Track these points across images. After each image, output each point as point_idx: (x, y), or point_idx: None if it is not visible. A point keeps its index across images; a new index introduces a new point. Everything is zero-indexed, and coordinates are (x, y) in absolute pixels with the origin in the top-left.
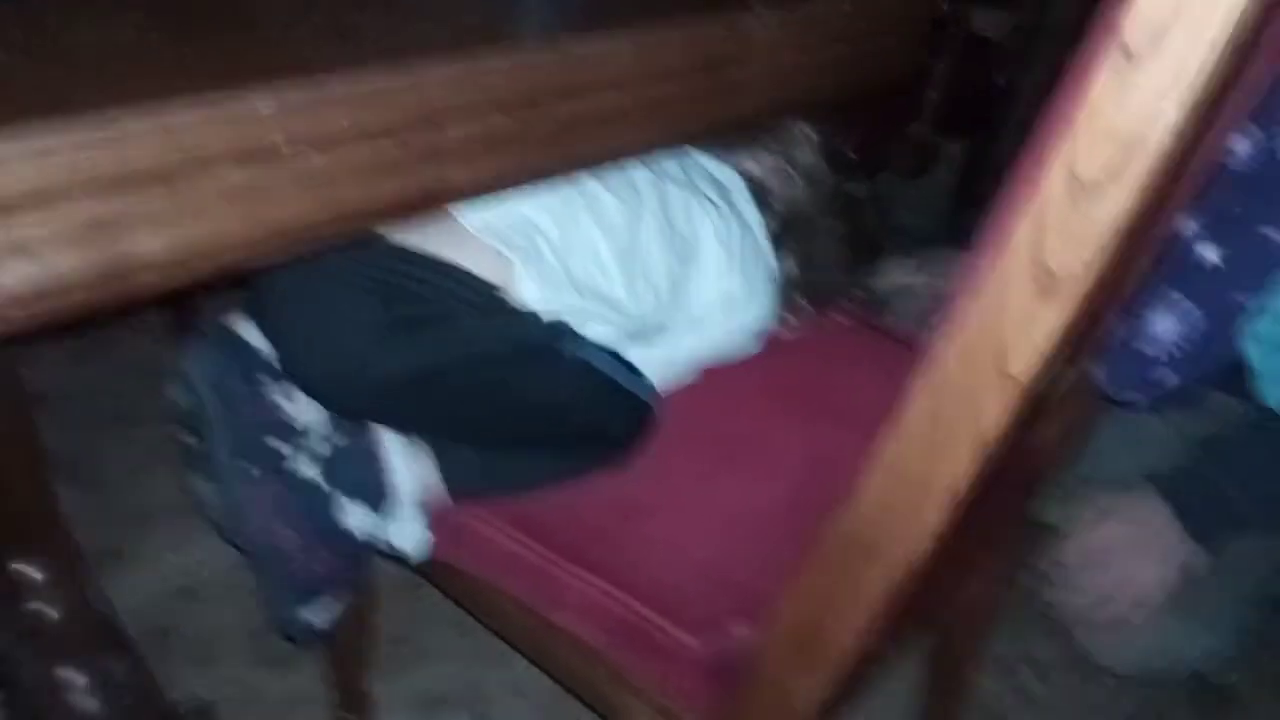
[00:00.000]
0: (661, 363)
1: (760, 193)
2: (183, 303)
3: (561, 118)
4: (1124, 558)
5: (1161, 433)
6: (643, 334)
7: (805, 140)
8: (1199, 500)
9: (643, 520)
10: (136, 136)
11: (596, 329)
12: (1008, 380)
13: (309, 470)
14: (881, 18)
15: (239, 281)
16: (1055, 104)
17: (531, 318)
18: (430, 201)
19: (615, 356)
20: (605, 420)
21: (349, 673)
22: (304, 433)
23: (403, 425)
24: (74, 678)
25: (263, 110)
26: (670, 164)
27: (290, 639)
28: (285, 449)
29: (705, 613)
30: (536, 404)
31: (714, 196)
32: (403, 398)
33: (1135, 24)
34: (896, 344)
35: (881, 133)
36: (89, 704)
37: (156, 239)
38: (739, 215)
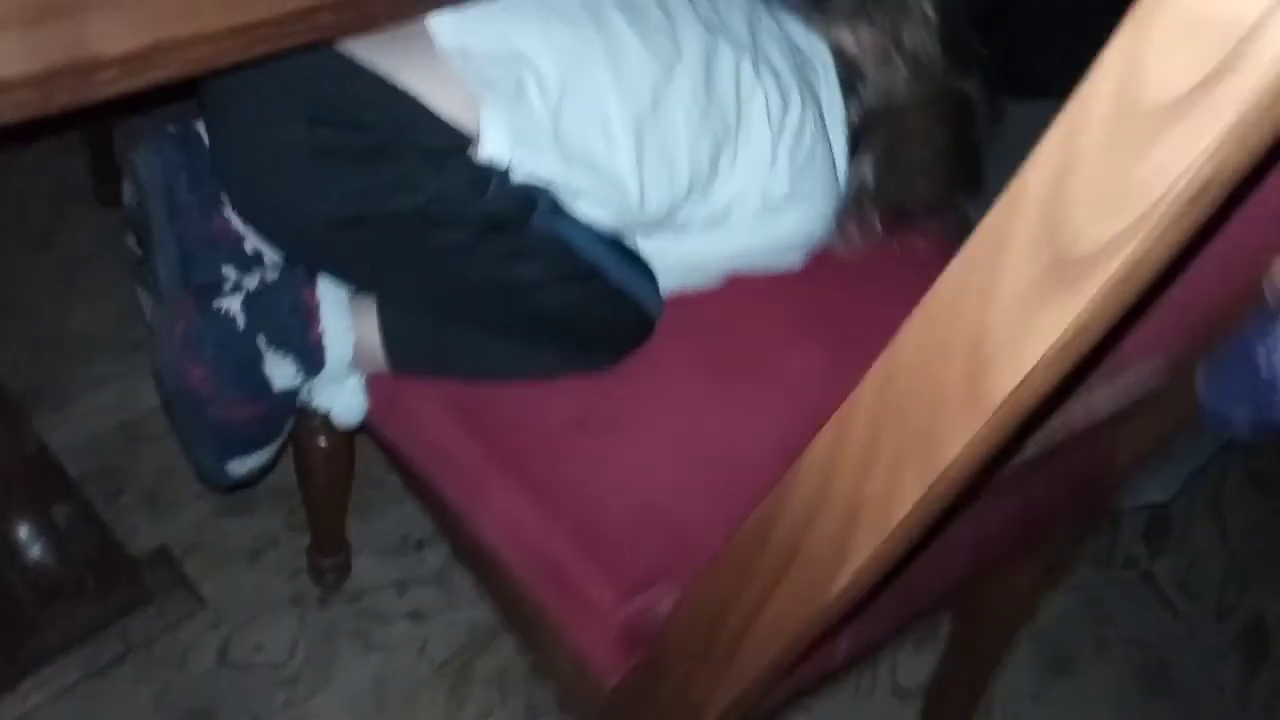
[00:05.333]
0: (677, 261)
1: (850, 74)
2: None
3: None
4: None
5: None
6: (647, 225)
7: (921, 18)
8: None
9: (601, 436)
10: None
11: (588, 209)
12: (981, 401)
13: (231, 304)
14: None
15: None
16: None
17: (499, 177)
18: None
19: (612, 244)
20: (584, 315)
21: (325, 515)
22: (258, 263)
23: (335, 273)
24: (16, 529)
25: None
26: (736, 17)
27: (215, 487)
28: (235, 277)
29: (637, 565)
30: (493, 280)
31: (782, 67)
32: (328, 240)
33: None
34: None
35: None
36: (34, 554)
37: (117, 26)
38: (812, 96)
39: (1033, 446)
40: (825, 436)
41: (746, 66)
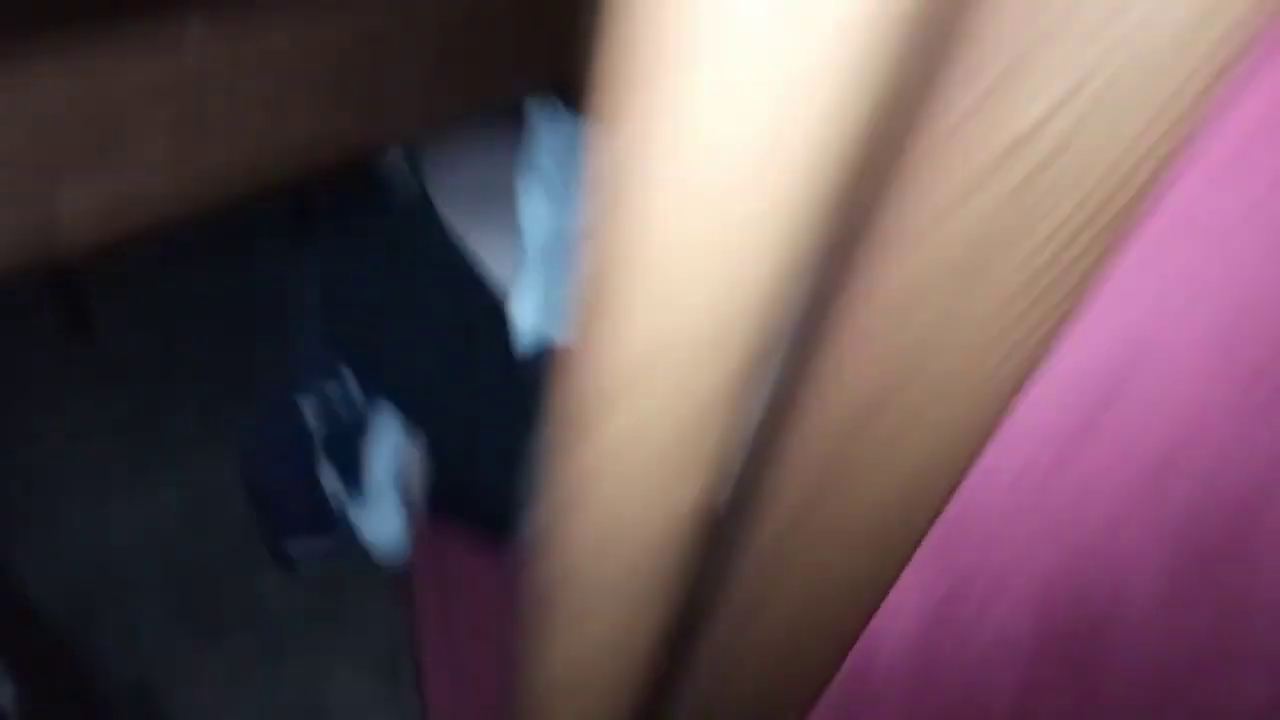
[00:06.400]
0: None
1: None
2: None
3: None
4: None
5: None
6: None
7: None
8: None
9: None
10: (51, 74)
11: None
12: None
13: (310, 404)
14: None
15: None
16: None
17: (538, 342)
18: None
19: None
20: None
21: None
22: None
23: (389, 397)
24: None
25: (194, 36)
26: None
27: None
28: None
29: None
30: (527, 441)
31: None
32: (380, 364)
33: None
34: None
35: None
36: (3, 697)
37: (83, 188)
38: None
39: None
40: None
41: None
